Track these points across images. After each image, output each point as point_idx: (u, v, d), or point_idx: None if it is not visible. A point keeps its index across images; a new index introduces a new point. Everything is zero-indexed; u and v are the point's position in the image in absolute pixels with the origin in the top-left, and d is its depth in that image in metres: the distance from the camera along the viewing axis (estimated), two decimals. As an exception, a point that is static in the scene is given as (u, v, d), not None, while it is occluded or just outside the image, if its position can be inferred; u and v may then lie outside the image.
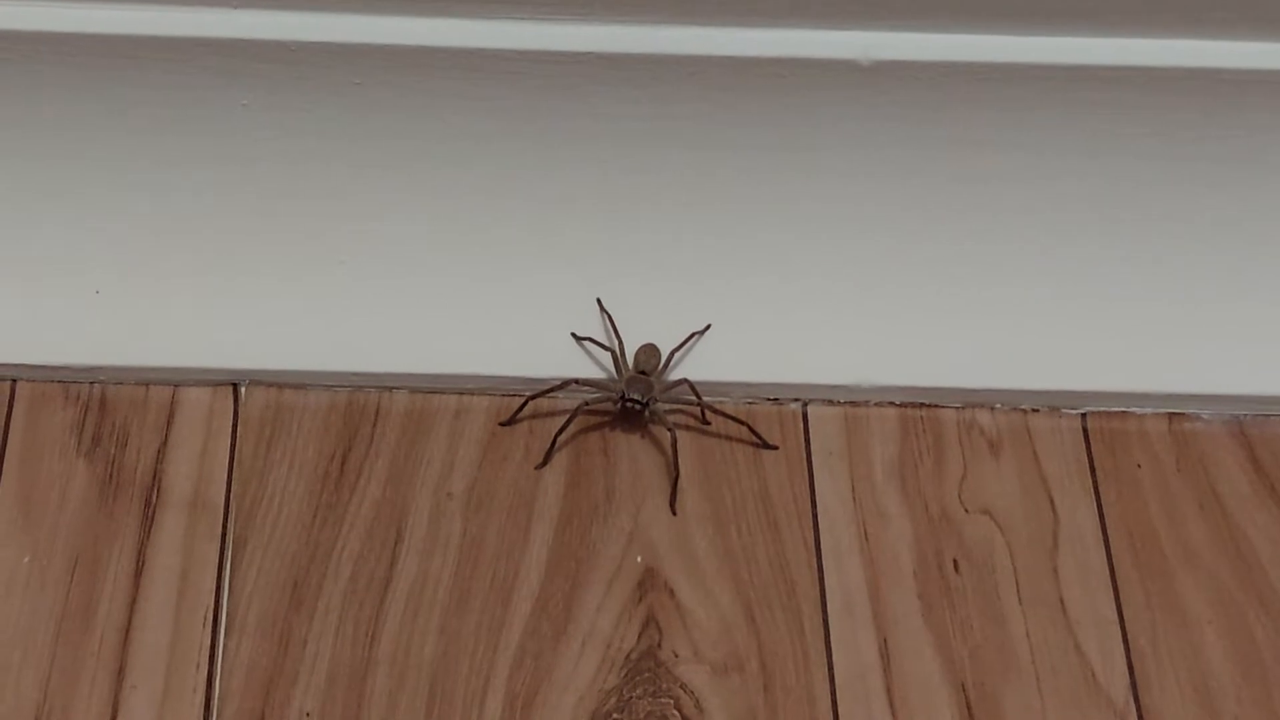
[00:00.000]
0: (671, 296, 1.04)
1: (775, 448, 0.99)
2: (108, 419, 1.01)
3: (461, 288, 1.04)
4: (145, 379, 1.02)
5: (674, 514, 0.98)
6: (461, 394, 1.02)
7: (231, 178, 1.02)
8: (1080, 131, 1.00)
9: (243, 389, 1.02)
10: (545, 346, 1.03)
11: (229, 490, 0.98)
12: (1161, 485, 1.01)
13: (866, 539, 0.98)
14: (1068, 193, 1.02)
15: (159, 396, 1.02)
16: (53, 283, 1.03)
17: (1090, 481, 1.01)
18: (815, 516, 0.99)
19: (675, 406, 1.00)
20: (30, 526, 0.97)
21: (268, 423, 1.01)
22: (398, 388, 1.02)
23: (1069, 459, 1.02)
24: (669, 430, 0.98)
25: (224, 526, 0.97)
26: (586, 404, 0.99)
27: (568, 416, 0.98)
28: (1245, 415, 1.03)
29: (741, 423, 0.99)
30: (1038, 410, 1.03)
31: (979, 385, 1.03)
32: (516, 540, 0.98)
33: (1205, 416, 1.03)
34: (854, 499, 1.00)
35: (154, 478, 0.99)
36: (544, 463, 0.98)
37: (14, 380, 1.02)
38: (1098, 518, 0.99)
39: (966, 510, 1.00)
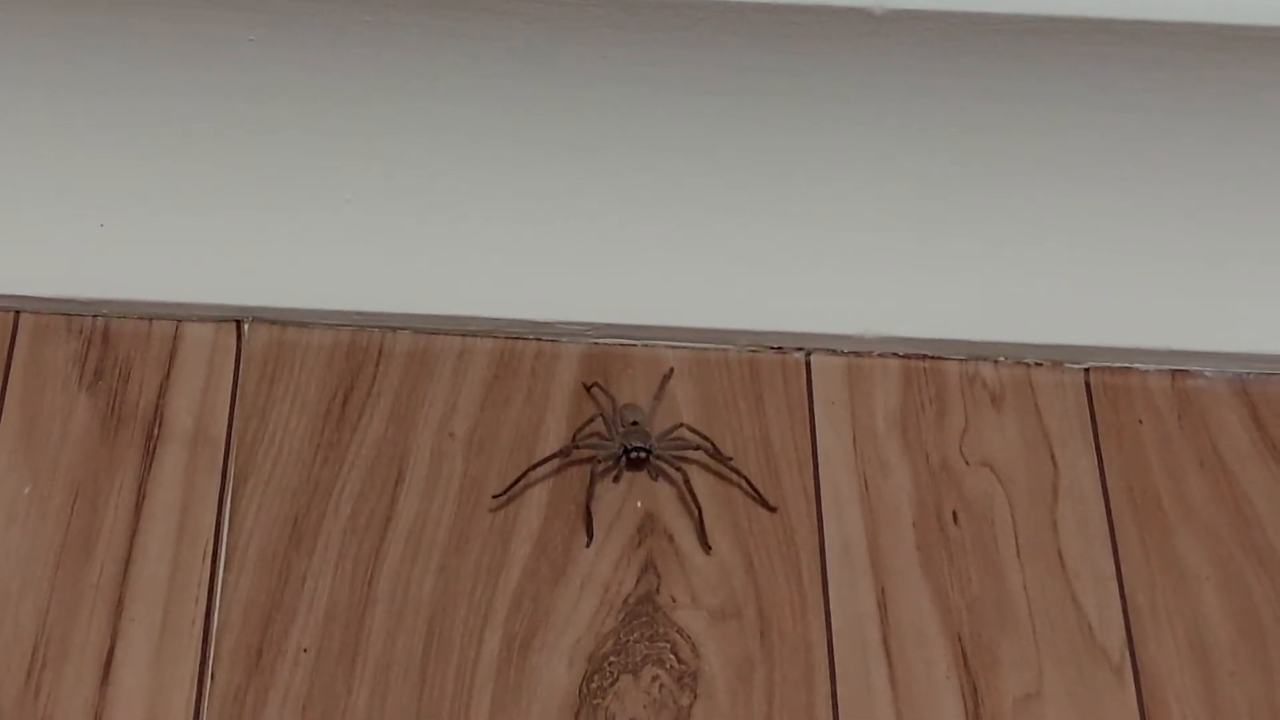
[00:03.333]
0: (677, 242, 1.04)
1: (774, 509, 0.97)
2: (110, 353, 1.01)
3: (467, 229, 1.04)
4: (149, 313, 1.02)
5: (708, 550, 0.96)
6: (465, 335, 1.02)
7: (238, 113, 1.02)
8: (1090, 85, 1.00)
9: (246, 325, 1.02)
10: (549, 290, 1.03)
11: (230, 426, 0.99)
12: (1163, 442, 1.01)
13: (867, 489, 0.99)
14: (1076, 147, 1.02)
15: (162, 331, 1.02)
16: (58, 215, 1.03)
17: (1091, 436, 1.01)
18: (816, 465, 0.99)
19: (676, 453, 0.98)
20: (31, 457, 0.97)
21: (270, 360, 1.01)
22: (401, 328, 1.02)
23: (1071, 413, 1.02)
24: (677, 470, 0.97)
25: (225, 462, 0.97)
26: (598, 461, 0.97)
27: (588, 485, 0.96)
28: (1248, 374, 1.03)
29: (739, 473, 0.97)
30: (1041, 364, 1.03)
31: (982, 338, 1.03)
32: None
33: (1208, 374, 1.03)
34: (855, 449, 1.00)
35: (156, 412, 0.99)
36: (590, 539, 0.96)
37: (17, 312, 1.02)
38: (1098, 472, 0.99)
39: (967, 462, 1.00)
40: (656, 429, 0.99)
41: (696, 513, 0.96)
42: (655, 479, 0.97)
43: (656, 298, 1.03)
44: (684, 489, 0.96)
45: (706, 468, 0.98)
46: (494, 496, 0.96)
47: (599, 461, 0.97)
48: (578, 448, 0.97)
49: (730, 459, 0.98)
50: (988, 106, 1.00)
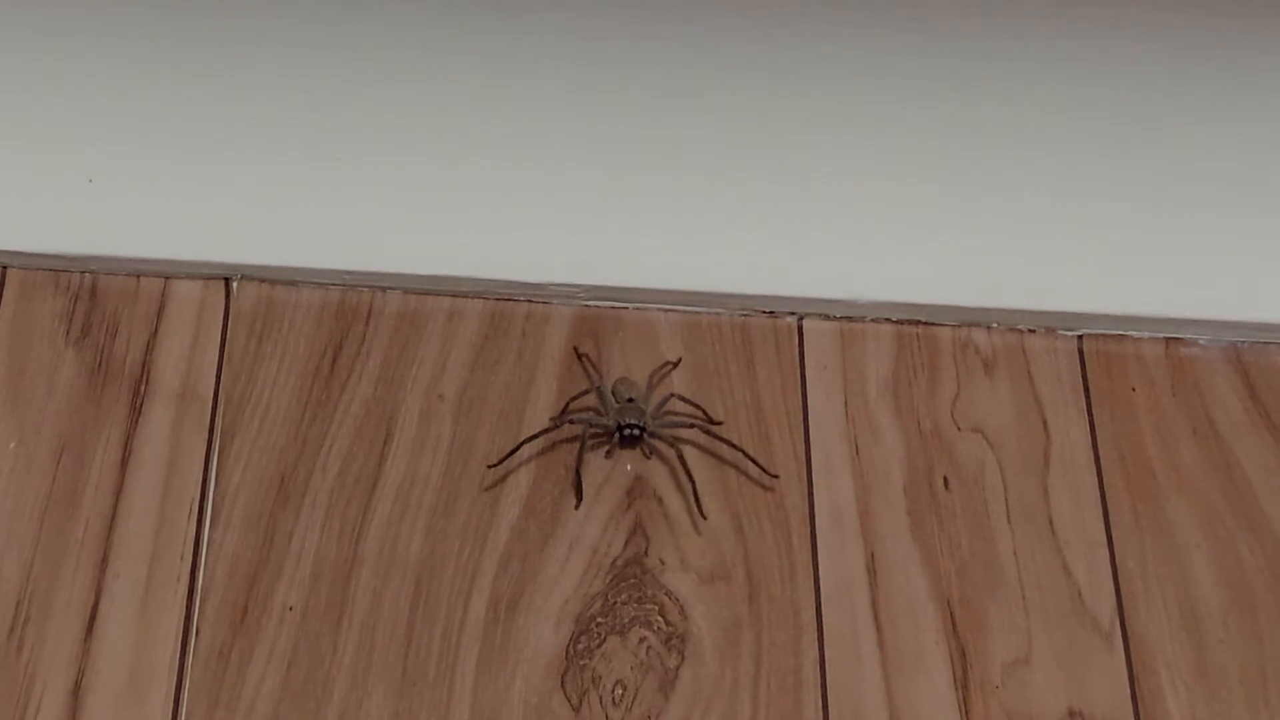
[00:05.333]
0: (670, 205, 1.03)
1: (776, 476, 0.96)
2: (98, 309, 1.00)
3: (459, 189, 1.03)
4: (137, 270, 1.01)
5: (704, 518, 0.95)
6: (455, 296, 1.02)
7: (229, 71, 1.01)
8: (1085, 51, 0.99)
9: (235, 283, 1.01)
10: (540, 251, 1.02)
11: (218, 383, 0.98)
12: (1155, 409, 1.00)
13: (857, 454, 0.98)
14: (1071, 114, 1.02)
15: (150, 288, 1.01)
16: (46, 171, 1.02)
17: (1084, 403, 1.00)
18: (807, 430, 0.99)
19: (670, 430, 0.97)
20: (18, 412, 0.96)
21: (259, 318, 1.00)
22: (391, 288, 1.02)
23: (1063, 380, 1.01)
24: (671, 445, 0.96)
25: (212, 419, 0.97)
26: (591, 426, 0.96)
27: (578, 448, 0.95)
28: (1243, 342, 1.02)
29: (736, 447, 0.96)
30: (1034, 331, 1.03)
31: (976, 304, 1.02)
32: (506, 444, 0.97)
33: (1202, 342, 1.03)
34: (846, 414, 0.99)
35: (143, 368, 0.98)
36: (579, 501, 0.95)
37: (5, 267, 1.01)
38: (1090, 439, 0.99)
39: (959, 428, 0.99)
40: (650, 403, 0.98)
41: (691, 487, 0.95)
42: (649, 457, 0.96)
43: (649, 261, 1.03)
44: (678, 464, 0.95)
45: (699, 445, 0.97)
46: (489, 466, 0.96)
47: (591, 426, 0.96)
48: (572, 422, 0.96)
49: (720, 423, 0.98)
50: (981, 71, 1.00)
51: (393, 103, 1.02)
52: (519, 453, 0.96)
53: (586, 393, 0.98)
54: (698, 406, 0.98)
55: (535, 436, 0.96)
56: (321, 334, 1.00)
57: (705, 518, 0.95)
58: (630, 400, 0.97)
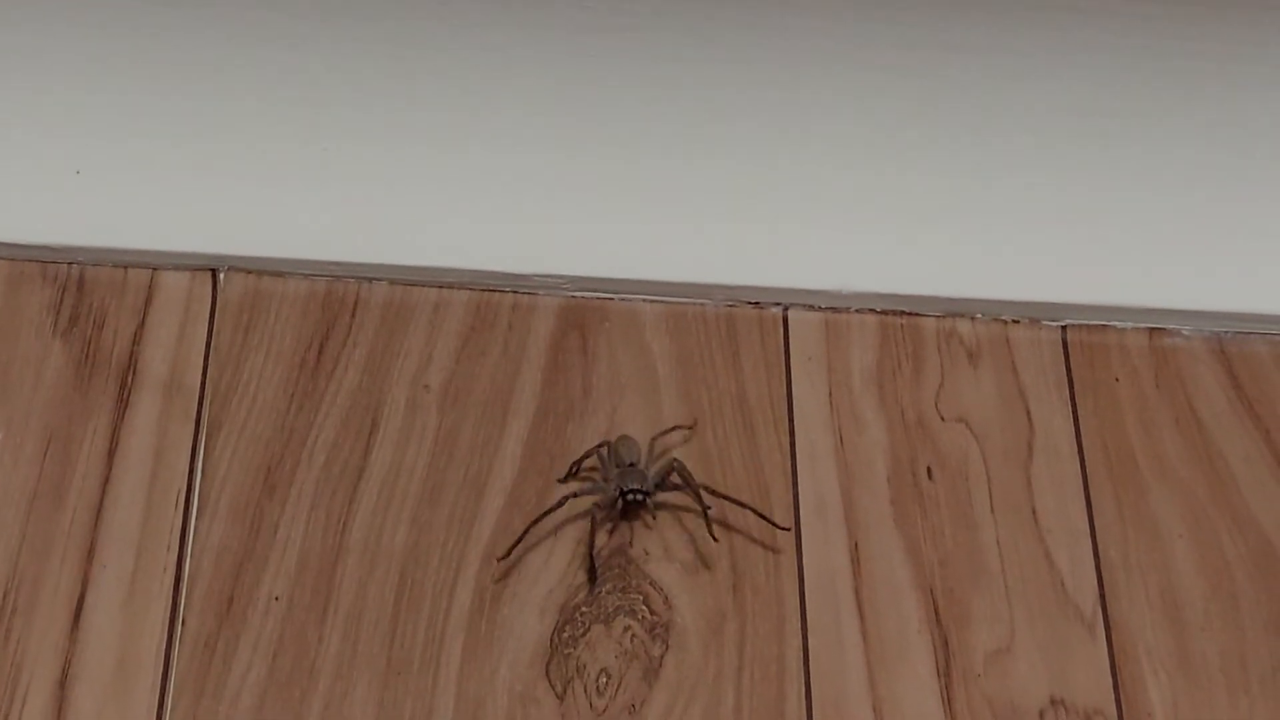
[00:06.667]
0: (656, 196, 1.04)
1: (788, 529, 0.95)
2: (85, 300, 1.01)
3: (444, 180, 1.03)
4: (124, 261, 1.02)
5: (714, 540, 0.93)
6: (441, 287, 1.02)
7: (216, 62, 1.01)
8: (1067, 42, 1.00)
9: (222, 274, 1.02)
10: (526, 242, 1.02)
11: (205, 374, 0.98)
12: (1139, 399, 1.01)
13: (842, 444, 0.98)
14: (1055, 103, 1.02)
15: (137, 279, 1.02)
16: (33, 162, 1.03)
17: (1068, 393, 1.01)
18: (791, 421, 0.99)
19: (670, 497, 0.95)
20: (5, 404, 0.97)
21: (246, 309, 1.01)
22: (377, 278, 1.02)
23: (1047, 370, 1.01)
24: (677, 485, 0.94)
25: (199, 410, 0.97)
26: (599, 508, 0.93)
27: (589, 533, 0.93)
28: (1226, 332, 1.03)
29: (743, 504, 0.94)
30: (1018, 321, 1.03)
31: (960, 294, 1.02)
32: (492, 434, 0.97)
33: (1186, 332, 1.03)
34: (831, 404, 1.00)
35: (130, 359, 0.99)
36: (592, 582, 0.93)
37: (-8, 258, 1.02)
38: (1073, 429, 0.99)
39: (943, 418, 1.00)
40: (652, 469, 0.95)
41: (705, 515, 0.93)
42: (652, 525, 0.94)
43: (634, 251, 1.03)
44: (695, 501, 0.94)
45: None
46: (499, 559, 0.93)
47: (599, 508, 0.94)
48: (576, 496, 0.94)
49: (712, 490, 0.94)
50: (964, 62, 1.00)
51: (379, 94, 1.02)
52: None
53: (588, 455, 0.96)
54: (702, 486, 0.94)
55: (541, 518, 0.93)
56: (308, 325, 1.01)
57: (715, 539, 0.94)
58: (631, 465, 0.95)
